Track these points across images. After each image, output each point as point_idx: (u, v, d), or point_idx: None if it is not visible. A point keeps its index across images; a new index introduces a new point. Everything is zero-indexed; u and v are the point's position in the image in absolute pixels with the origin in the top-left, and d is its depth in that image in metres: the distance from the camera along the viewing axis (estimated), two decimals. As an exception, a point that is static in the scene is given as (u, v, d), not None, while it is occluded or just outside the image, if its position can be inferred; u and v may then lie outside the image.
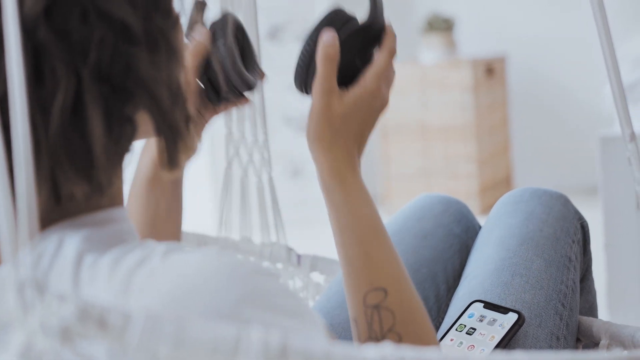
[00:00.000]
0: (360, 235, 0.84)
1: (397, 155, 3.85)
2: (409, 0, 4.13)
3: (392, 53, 0.89)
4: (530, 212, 1.08)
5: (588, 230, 1.11)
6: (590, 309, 1.12)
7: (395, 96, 3.80)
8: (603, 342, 0.97)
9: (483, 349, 0.98)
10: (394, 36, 0.89)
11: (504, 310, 0.99)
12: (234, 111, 1.30)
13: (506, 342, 0.96)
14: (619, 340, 0.95)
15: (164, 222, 0.99)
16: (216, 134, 3.84)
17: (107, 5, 0.60)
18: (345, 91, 0.85)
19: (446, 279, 1.13)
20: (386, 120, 3.82)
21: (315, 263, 1.28)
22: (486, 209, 3.68)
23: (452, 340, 1.01)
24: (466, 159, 3.73)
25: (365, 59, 0.88)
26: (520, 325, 0.96)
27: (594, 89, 3.68)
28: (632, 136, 0.84)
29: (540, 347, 0.98)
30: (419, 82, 3.76)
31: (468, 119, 3.69)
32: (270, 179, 1.34)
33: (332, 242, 1.12)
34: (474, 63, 3.69)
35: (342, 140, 0.85)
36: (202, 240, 1.31)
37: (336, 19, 0.88)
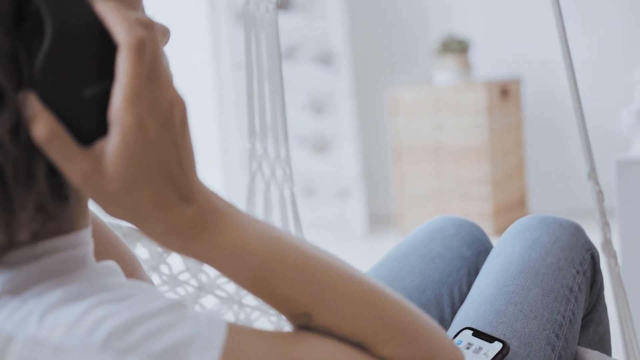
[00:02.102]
0: (250, 270, 0.64)
1: (410, 176, 3.84)
2: (423, 21, 4.13)
3: (133, 47, 0.58)
4: (535, 241, 1.08)
5: (599, 261, 1.09)
6: (600, 340, 1.11)
7: (409, 117, 3.79)
8: None
9: None
10: (121, 20, 0.58)
11: (490, 339, 0.99)
12: (257, 127, 1.32)
13: None
14: None
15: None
16: (229, 143, 3.84)
17: None
18: (100, 145, 0.58)
19: (452, 302, 1.12)
20: (400, 141, 3.82)
21: None
22: (499, 231, 3.66)
23: None
24: (480, 180, 3.72)
25: (99, 84, 0.59)
26: (504, 355, 0.96)
27: (610, 112, 3.66)
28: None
29: None
30: (433, 103, 3.76)
31: (482, 140, 3.68)
32: (292, 194, 1.35)
33: (350, 258, 1.11)
34: (488, 85, 3.68)
35: (145, 207, 0.59)
36: None
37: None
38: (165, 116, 0.59)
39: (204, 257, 0.62)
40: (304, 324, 0.65)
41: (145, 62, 0.58)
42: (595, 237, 1.13)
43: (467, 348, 1.00)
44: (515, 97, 3.90)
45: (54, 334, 0.59)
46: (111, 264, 0.69)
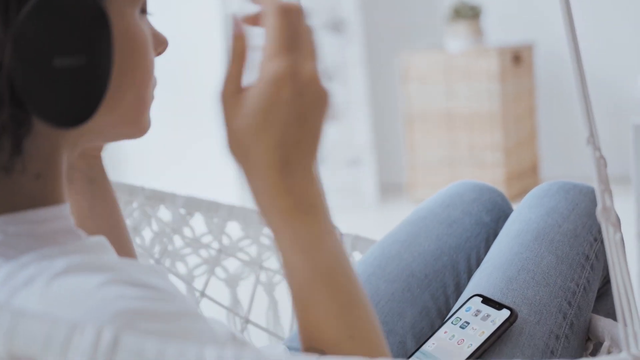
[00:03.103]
0: (303, 282, 0.65)
1: (422, 144, 3.83)
2: (435, -13, 4.10)
3: (280, 8, 0.62)
4: (552, 207, 1.06)
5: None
6: None
7: (421, 84, 3.77)
8: (605, 343, 0.95)
9: (471, 344, 0.96)
10: None
11: (498, 306, 0.98)
12: None
13: (495, 339, 0.95)
14: (617, 342, 0.92)
15: (89, 220, 0.93)
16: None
17: None
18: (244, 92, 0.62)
19: (469, 268, 1.11)
20: (411, 108, 3.80)
21: (356, 243, 1.28)
22: (512, 198, 3.65)
23: (445, 332, 1.01)
24: (492, 147, 3.70)
25: (71, 58, 0.61)
26: (512, 323, 0.95)
27: (626, 76, 3.64)
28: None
29: (535, 345, 0.96)
30: (445, 70, 3.73)
31: (494, 107, 3.66)
32: None
33: (368, 226, 1.10)
34: (501, 51, 3.65)
35: (260, 165, 0.62)
36: (248, 215, 1.29)
37: None
38: (301, 88, 0.61)
39: (278, 233, 0.64)
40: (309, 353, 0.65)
41: (289, 25, 0.61)
42: (615, 203, 1.11)
43: (476, 315, 1.00)
44: (528, 64, 3.87)
45: (60, 300, 0.59)
46: (102, 239, 0.69)
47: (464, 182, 1.19)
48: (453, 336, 0.99)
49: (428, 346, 1.01)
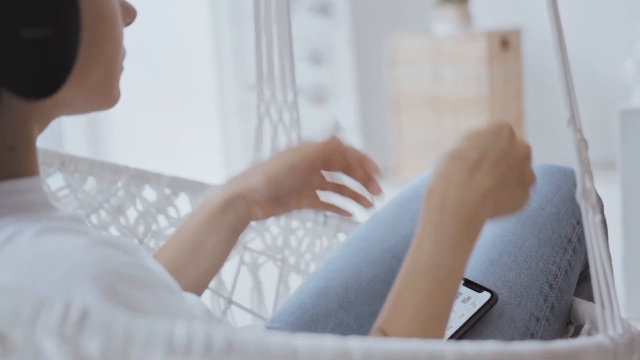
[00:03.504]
0: (407, 267, 0.75)
1: (409, 127, 3.83)
2: (423, -29, 4.08)
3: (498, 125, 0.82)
4: (536, 190, 1.05)
5: (602, 212, 1.08)
6: None
7: (409, 68, 3.77)
8: (586, 326, 0.95)
9: (451, 326, 0.96)
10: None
11: (479, 288, 0.98)
12: (264, 70, 1.31)
13: (475, 321, 0.95)
14: (596, 325, 0.92)
15: (203, 260, 1.00)
16: (226, 91, 3.82)
17: None
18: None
19: None
20: (399, 92, 3.80)
21: (341, 225, 1.28)
22: (498, 183, 3.65)
23: None
24: (479, 132, 3.70)
25: (38, 29, 0.64)
26: (492, 305, 0.95)
27: (613, 62, 3.64)
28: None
29: (515, 328, 0.95)
30: (433, 54, 3.73)
31: (481, 91, 3.66)
32: (300, 139, 1.33)
33: (349, 208, 1.11)
34: (488, 35, 3.65)
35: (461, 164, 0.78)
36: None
37: None
38: (514, 143, 0.80)
39: (439, 226, 0.75)
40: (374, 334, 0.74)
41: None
42: (600, 188, 1.12)
43: (456, 297, 1.00)
44: (516, 48, 3.87)
45: (47, 255, 0.59)
46: (79, 214, 0.70)
47: None
48: None
49: None
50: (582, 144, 0.76)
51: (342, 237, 1.29)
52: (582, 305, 0.99)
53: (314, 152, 0.99)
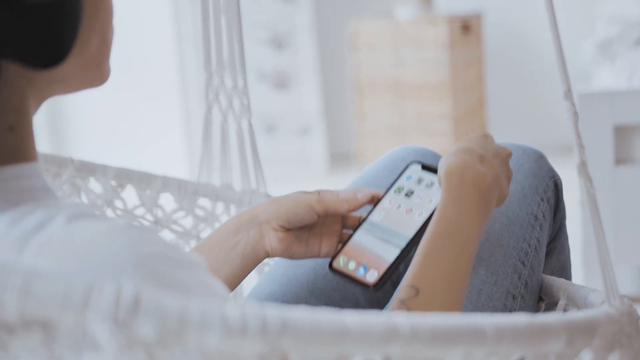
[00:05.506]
0: (432, 231, 0.86)
1: (371, 112, 3.82)
2: (385, -46, 4.06)
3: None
4: None
5: (561, 188, 1.09)
6: (563, 268, 1.11)
7: (369, 52, 3.75)
8: (561, 302, 0.97)
9: (421, 212, 0.97)
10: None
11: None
12: (213, 56, 1.28)
13: None
14: (574, 301, 0.94)
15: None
16: (188, 79, 3.79)
17: None
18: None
19: None
20: (360, 77, 3.78)
21: None
22: (460, 167, 3.66)
23: (390, 202, 1.00)
24: (441, 116, 3.71)
25: None
26: None
27: (571, 46, 3.65)
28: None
29: (494, 306, 0.97)
30: (394, 38, 3.72)
31: (443, 76, 3.66)
32: (250, 126, 1.31)
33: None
34: (449, 19, 3.65)
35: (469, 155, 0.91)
36: (182, 186, 1.28)
37: None
38: (500, 149, 0.94)
39: (458, 202, 0.87)
40: (403, 298, 0.80)
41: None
42: (560, 172, 1.12)
43: (419, 183, 1.00)
44: (477, 32, 3.87)
45: (86, 241, 0.58)
46: (77, 200, 0.69)
47: (406, 147, 1.19)
48: (399, 206, 0.99)
49: (375, 217, 0.99)
50: (576, 117, 0.80)
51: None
52: (554, 282, 1.00)
53: (334, 202, 0.99)
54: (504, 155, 0.93)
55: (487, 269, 0.98)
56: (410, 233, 0.96)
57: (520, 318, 0.64)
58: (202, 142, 1.32)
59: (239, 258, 0.98)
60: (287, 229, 0.99)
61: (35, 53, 0.61)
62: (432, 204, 0.97)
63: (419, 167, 1.01)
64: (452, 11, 3.89)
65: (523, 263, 1.00)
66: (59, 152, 3.50)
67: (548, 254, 1.08)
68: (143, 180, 1.26)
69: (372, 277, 0.94)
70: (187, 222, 1.32)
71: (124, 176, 1.25)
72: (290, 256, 1.00)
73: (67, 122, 3.66)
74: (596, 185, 2.08)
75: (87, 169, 1.23)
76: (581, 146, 0.78)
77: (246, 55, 1.30)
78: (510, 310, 0.97)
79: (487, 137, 0.94)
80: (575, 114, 0.78)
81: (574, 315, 0.69)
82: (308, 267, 1.07)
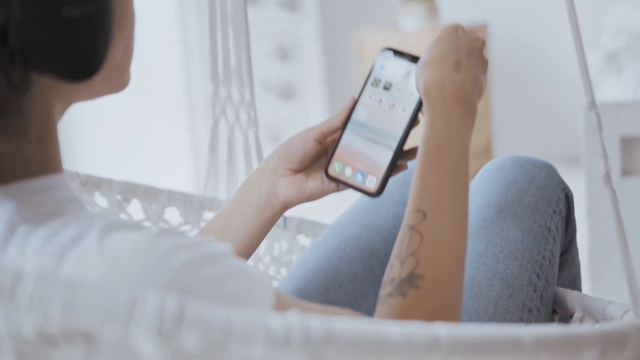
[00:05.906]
0: (426, 153, 0.83)
1: (377, 123, 3.81)
2: (390, -35, 4.07)
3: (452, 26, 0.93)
4: (511, 181, 1.06)
5: (572, 201, 1.09)
6: (573, 280, 1.11)
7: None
8: (577, 314, 0.97)
9: (404, 108, 0.95)
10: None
11: (411, 58, 0.97)
12: (220, 68, 1.28)
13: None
14: (590, 313, 0.94)
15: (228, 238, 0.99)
16: (194, 90, 3.79)
17: None
18: None
19: None
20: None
21: (301, 225, 1.27)
22: (466, 178, 3.65)
23: (370, 97, 0.97)
24: (447, 127, 3.70)
25: (79, 6, 0.65)
26: None
27: (577, 57, 3.66)
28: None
29: (510, 319, 0.96)
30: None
31: (449, 86, 3.65)
32: (257, 139, 1.31)
33: (314, 207, 1.09)
34: (455, 30, 3.64)
35: (441, 61, 0.88)
36: (188, 200, 1.28)
37: None
38: (472, 35, 0.93)
39: (436, 110, 0.85)
40: (412, 224, 0.78)
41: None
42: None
43: (395, 73, 0.96)
44: (483, 43, 3.87)
45: (122, 254, 0.58)
46: (99, 210, 0.69)
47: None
48: (381, 101, 0.96)
49: (359, 115, 0.97)
50: (600, 128, 0.80)
51: (302, 238, 1.28)
52: (567, 294, 1.00)
53: (326, 121, 1.00)
54: (478, 48, 0.91)
55: (502, 282, 0.98)
56: (399, 132, 0.94)
57: (555, 329, 0.64)
58: (209, 156, 1.31)
59: (255, 214, 0.99)
60: (297, 171, 0.99)
61: (72, 66, 0.61)
62: (413, 97, 0.94)
63: (390, 53, 0.99)
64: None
65: (538, 275, 0.99)
66: (64, 162, 3.50)
67: (559, 266, 1.08)
68: (149, 194, 1.25)
69: (371, 184, 0.94)
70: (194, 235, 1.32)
71: (130, 190, 1.25)
72: (309, 197, 0.99)
73: (73, 133, 3.66)
74: (603, 196, 2.07)
75: (93, 183, 1.22)
76: (605, 157, 0.78)
77: (252, 62, 1.30)
78: (527, 322, 0.97)
79: (457, 31, 0.91)
80: (600, 125, 0.79)
81: (606, 326, 0.69)
82: (320, 281, 1.07)
